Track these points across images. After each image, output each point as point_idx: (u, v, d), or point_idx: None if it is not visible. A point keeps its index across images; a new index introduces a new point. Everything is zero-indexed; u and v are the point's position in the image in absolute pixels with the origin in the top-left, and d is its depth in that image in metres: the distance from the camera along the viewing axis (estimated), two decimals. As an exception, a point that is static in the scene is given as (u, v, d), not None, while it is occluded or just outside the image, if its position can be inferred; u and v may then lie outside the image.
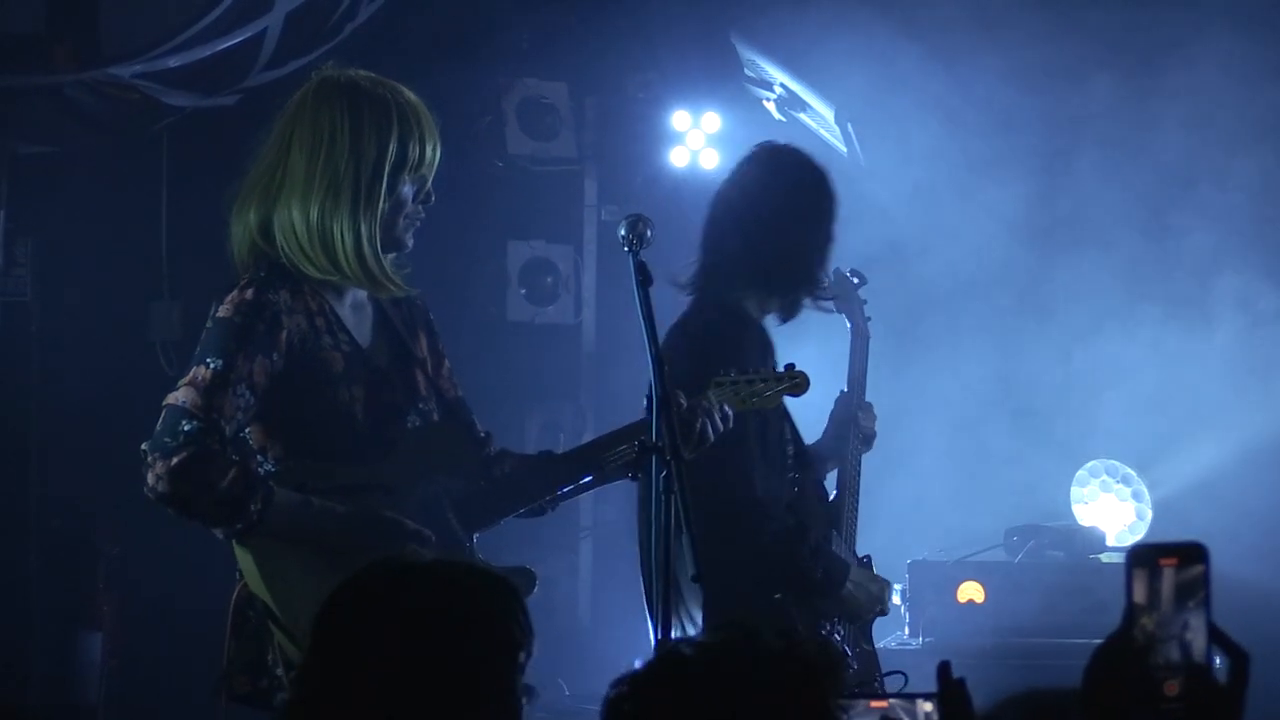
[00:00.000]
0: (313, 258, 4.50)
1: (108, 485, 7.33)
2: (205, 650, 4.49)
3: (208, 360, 4.38)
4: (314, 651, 2.73)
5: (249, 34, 7.29)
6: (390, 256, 4.57)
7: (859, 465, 5.68)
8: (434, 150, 4.56)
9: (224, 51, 7.29)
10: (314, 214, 4.48)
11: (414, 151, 4.53)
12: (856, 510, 5.66)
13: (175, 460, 4.25)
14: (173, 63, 7.23)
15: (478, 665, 2.68)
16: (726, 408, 4.68)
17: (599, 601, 8.49)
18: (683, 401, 4.49)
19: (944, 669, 2.35)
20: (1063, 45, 7.93)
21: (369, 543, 4.38)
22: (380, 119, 4.51)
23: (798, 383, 4.84)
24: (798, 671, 2.36)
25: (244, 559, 4.40)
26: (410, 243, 4.59)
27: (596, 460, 4.64)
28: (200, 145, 7.59)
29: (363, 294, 4.63)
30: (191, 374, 4.38)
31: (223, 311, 4.44)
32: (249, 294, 4.44)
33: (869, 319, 5.89)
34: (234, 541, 4.39)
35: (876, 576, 5.51)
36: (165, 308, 7.94)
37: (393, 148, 4.51)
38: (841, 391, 5.75)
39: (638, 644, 5.51)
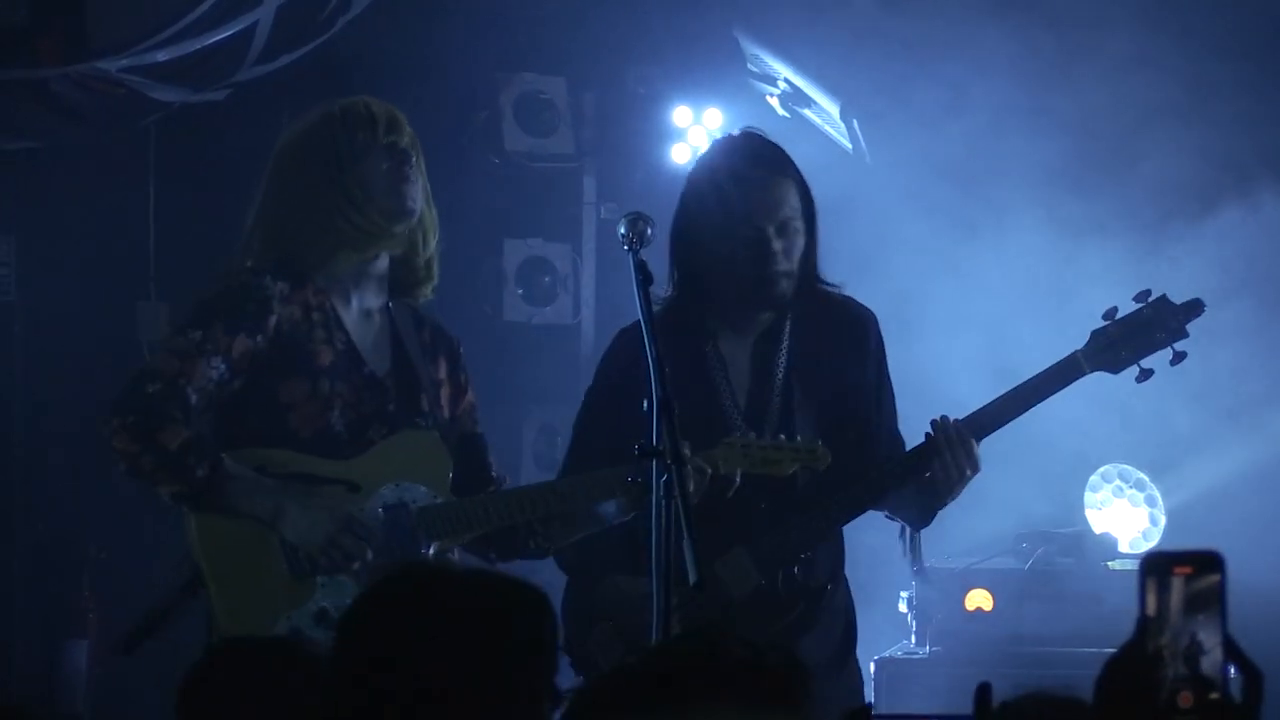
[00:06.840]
0: (353, 244, 4.62)
1: (93, 489, 7.35)
2: (192, 658, 4.45)
3: (187, 329, 4.50)
4: (341, 655, 2.69)
5: (239, 28, 7.26)
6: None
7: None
8: (371, 127, 4.60)
9: (213, 45, 7.27)
10: (315, 224, 4.62)
11: (345, 142, 4.59)
12: (823, 528, 4.76)
13: (130, 419, 4.38)
14: (161, 57, 7.22)
15: (510, 667, 2.62)
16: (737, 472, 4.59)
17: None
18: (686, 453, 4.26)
19: (983, 692, 2.26)
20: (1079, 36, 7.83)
21: (314, 527, 4.44)
22: (315, 141, 4.65)
23: (816, 458, 4.63)
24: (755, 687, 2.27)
25: (190, 529, 4.48)
26: (410, 204, 4.63)
27: (573, 494, 4.65)
28: (189, 141, 7.60)
29: (374, 304, 4.69)
30: (169, 339, 4.55)
31: (214, 285, 4.58)
32: (244, 275, 4.56)
33: (1148, 372, 4.93)
34: (185, 508, 4.47)
35: None
36: (152, 308, 7.89)
37: (331, 152, 4.61)
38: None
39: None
